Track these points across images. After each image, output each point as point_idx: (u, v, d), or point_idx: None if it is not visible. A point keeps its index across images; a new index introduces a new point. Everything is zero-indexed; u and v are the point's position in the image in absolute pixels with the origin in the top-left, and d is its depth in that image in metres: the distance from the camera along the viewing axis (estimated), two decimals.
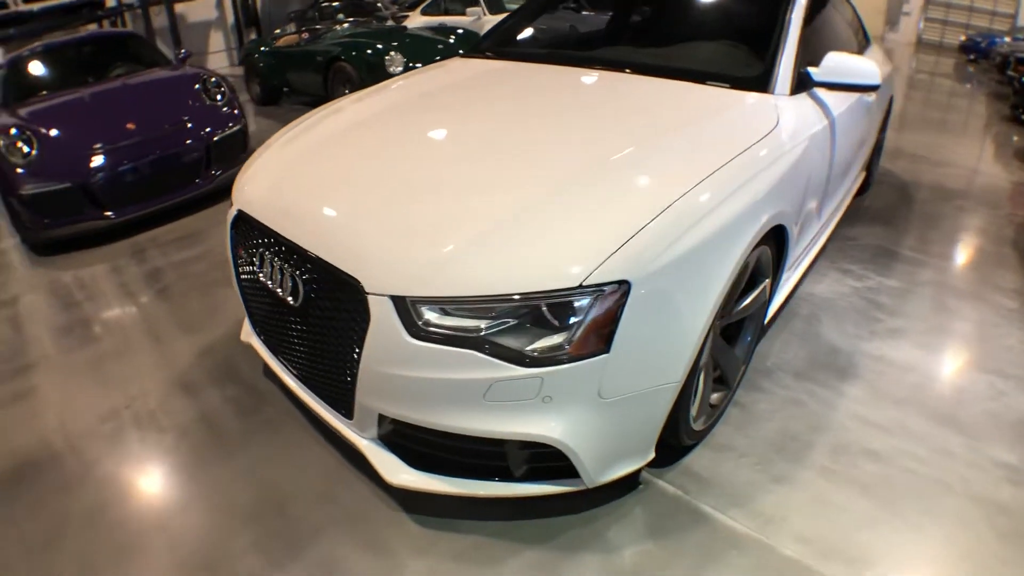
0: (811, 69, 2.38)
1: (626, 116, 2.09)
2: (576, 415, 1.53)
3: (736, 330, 2.18)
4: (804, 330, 2.76)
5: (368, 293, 1.55)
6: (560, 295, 1.45)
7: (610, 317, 1.47)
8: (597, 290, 1.45)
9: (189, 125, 4.45)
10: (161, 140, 4.31)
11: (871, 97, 3.24)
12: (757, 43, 2.48)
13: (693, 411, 1.92)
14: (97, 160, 4.08)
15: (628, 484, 1.95)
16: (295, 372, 1.98)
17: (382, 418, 1.69)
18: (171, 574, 1.76)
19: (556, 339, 1.47)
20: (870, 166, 4.14)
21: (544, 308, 1.47)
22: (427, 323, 1.51)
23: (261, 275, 1.93)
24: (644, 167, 1.76)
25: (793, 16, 2.49)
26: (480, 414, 1.53)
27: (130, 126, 4.28)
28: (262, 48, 7.35)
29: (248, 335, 2.27)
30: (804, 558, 1.73)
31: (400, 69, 5.48)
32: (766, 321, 2.37)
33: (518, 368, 1.46)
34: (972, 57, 12.38)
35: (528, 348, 1.47)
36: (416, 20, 8.29)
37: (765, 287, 2.12)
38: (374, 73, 5.55)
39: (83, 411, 2.47)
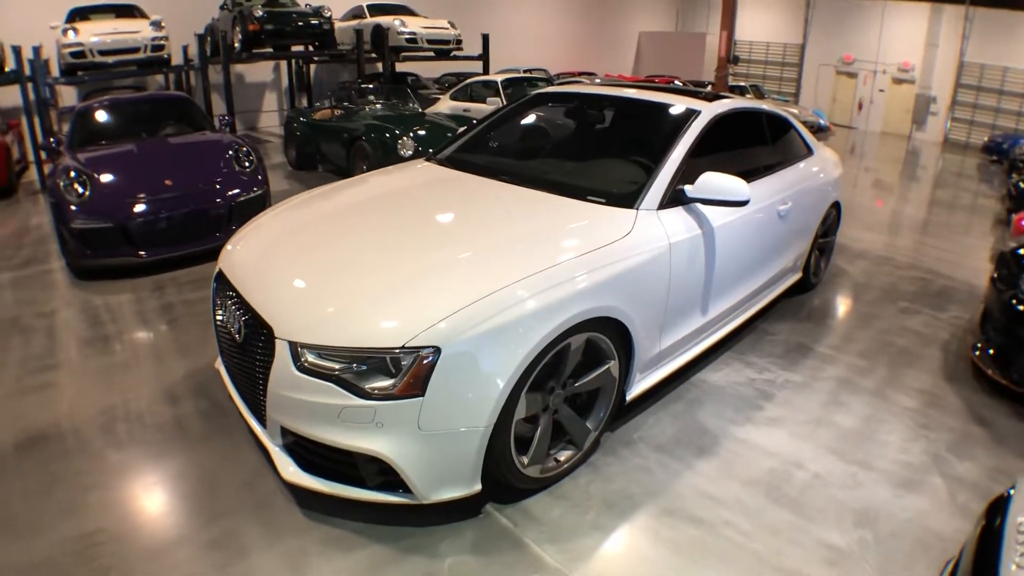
0: (687, 187, 2.84)
1: (502, 223, 2.65)
2: (402, 439, 2.06)
3: (588, 402, 2.60)
4: (682, 411, 3.13)
5: (276, 337, 2.15)
6: (388, 352, 2.01)
7: (425, 371, 2.01)
8: (415, 351, 2.00)
9: (218, 186, 5.20)
10: (193, 196, 5.06)
11: (785, 206, 3.67)
12: (651, 162, 2.99)
13: (524, 459, 2.35)
14: (137, 207, 4.85)
15: (470, 511, 2.37)
16: (238, 391, 2.59)
17: (284, 431, 2.25)
18: (124, 522, 2.36)
19: (387, 382, 2.03)
20: (807, 267, 4.51)
21: (377, 360, 2.03)
22: (307, 361, 2.09)
23: (224, 317, 2.57)
24: (487, 264, 2.28)
25: (679, 143, 2.99)
26: (337, 429, 2.09)
27: (168, 182, 5.05)
28: (300, 118, 8.27)
29: (219, 363, 2.90)
30: None
31: (410, 153, 6.18)
32: (629, 399, 2.78)
33: (359, 399, 2.03)
34: (994, 158, 12.52)
35: (367, 386, 2.03)
36: (444, 104, 9.13)
37: (609, 368, 2.54)
38: (388, 154, 6.29)
39: (88, 404, 3.14)
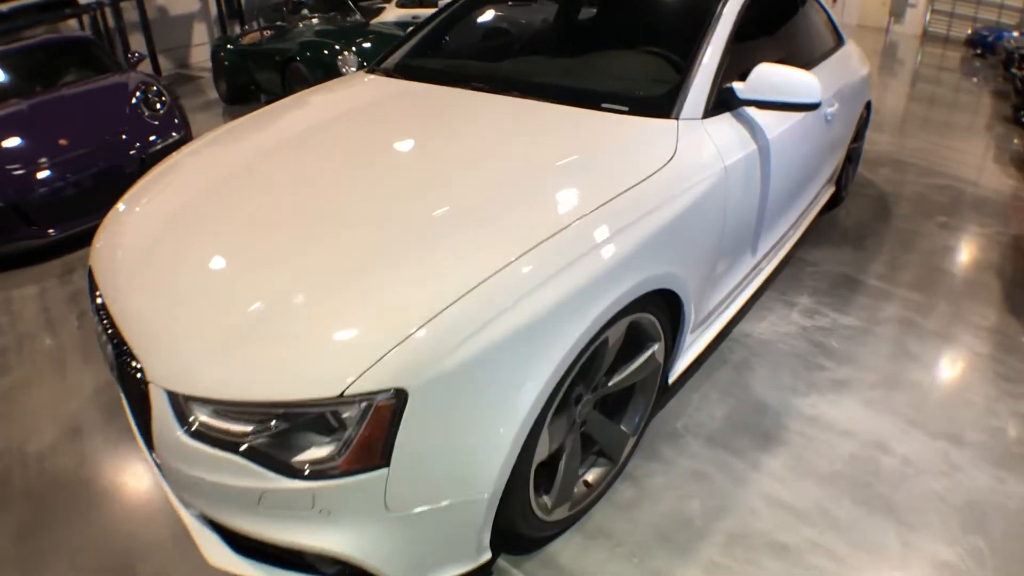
0: (737, 85, 2.07)
1: (486, 154, 1.81)
2: (364, 529, 1.33)
3: (622, 400, 1.93)
4: (730, 381, 2.48)
5: (148, 382, 1.38)
6: (320, 405, 1.23)
7: (384, 428, 1.24)
8: (364, 399, 1.22)
9: (124, 137, 4.29)
10: (94, 155, 4.15)
11: (832, 108, 2.93)
12: (677, 55, 2.19)
13: (548, 500, 1.69)
14: (28, 179, 3.94)
15: (480, 573, 1.69)
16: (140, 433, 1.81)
17: None
18: None
19: (324, 451, 1.26)
20: (839, 179, 3.82)
21: (305, 418, 1.26)
22: (199, 422, 1.32)
23: (99, 334, 1.75)
24: (472, 227, 1.49)
25: (718, 25, 2.16)
26: (263, 521, 1.35)
27: (63, 142, 4.13)
28: (228, 46, 7.15)
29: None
30: None
31: (354, 70, 5.23)
32: (672, 380, 2.11)
33: (285, 480, 1.26)
34: (978, 51, 11.86)
35: (295, 459, 1.27)
36: (391, 13, 7.98)
37: (654, 353, 1.85)
38: (328, 74, 5.33)
39: None
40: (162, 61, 9.85)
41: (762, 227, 2.40)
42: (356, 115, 2.28)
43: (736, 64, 2.16)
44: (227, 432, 1.28)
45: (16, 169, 3.96)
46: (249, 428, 1.27)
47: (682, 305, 1.86)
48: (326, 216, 1.63)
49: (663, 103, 1.98)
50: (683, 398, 2.38)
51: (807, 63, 2.88)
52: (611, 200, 1.60)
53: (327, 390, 1.21)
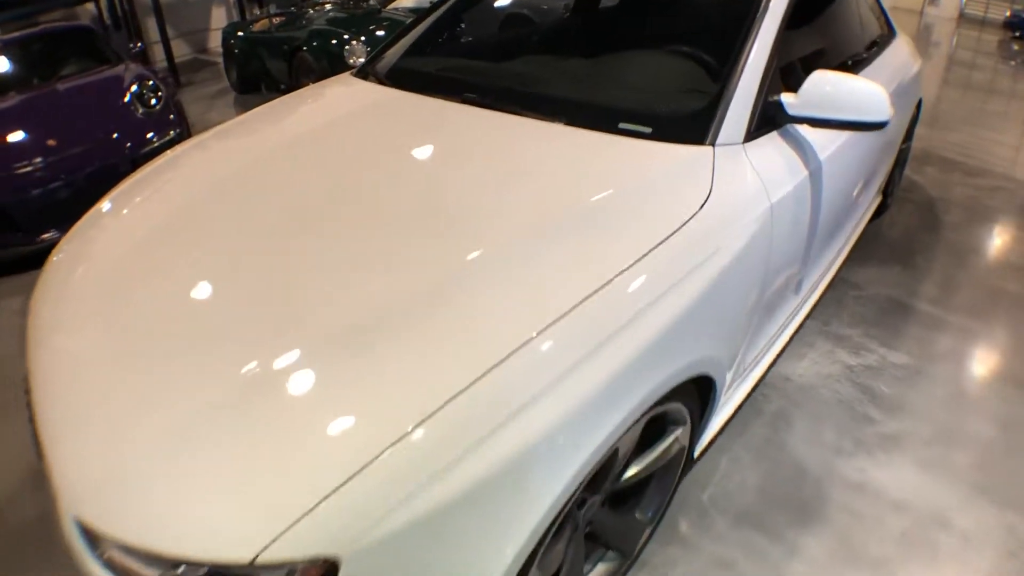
0: (786, 98, 1.71)
1: (476, 204, 1.46)
2: None
3: (639, 485, 1.64)
4: (765, 438, 2.19)
5: (56, 498, 1.14)
6: (231, 569, 0.95)
7: None
8: (285, 566, 0.94)
9: (116, 135, 4.05)
10: (85, 155, 3.91)
11: None
12: (712, 57, 1.86)
13: None
14: (14, 181, 3.72)
15: None
16: None
17: None
18: None
19: None
20: (887, 186, 3.45)
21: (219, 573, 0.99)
22: (112, 556, 1.06)
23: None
24: (457, 300, 1.18)
25: (764, 20, 1.78)
26: None
27: (52, 141, 3.91)
28: (239, 33, 6.86)
29: None
30: None
31: (362, 60, 4.93)
32: (697, 453, 1.82)
33: None
34: (1017, 34, 11.19)
35: None
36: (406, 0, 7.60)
37: (678, 437, 1.56)
38: (335, 65, 5.05)
39: None
40: (179, 46, 9.58)
41: (806, 264, 2.08)
42: (336, 132, 1.94)
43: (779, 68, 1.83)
44: (137, 574, 1.03)
45: (2, 170, 3.73)
46: (159, 573, 1.01)
47: (714, 383, 1.55)
48: (291, 278, 1.31)
49: (694, 125, 1.63)
50: (710, 462, 2.09)
51: (860, 63, 2.53)
52: (634, 264, 1.27)
53: (236, 554, 0.93)
